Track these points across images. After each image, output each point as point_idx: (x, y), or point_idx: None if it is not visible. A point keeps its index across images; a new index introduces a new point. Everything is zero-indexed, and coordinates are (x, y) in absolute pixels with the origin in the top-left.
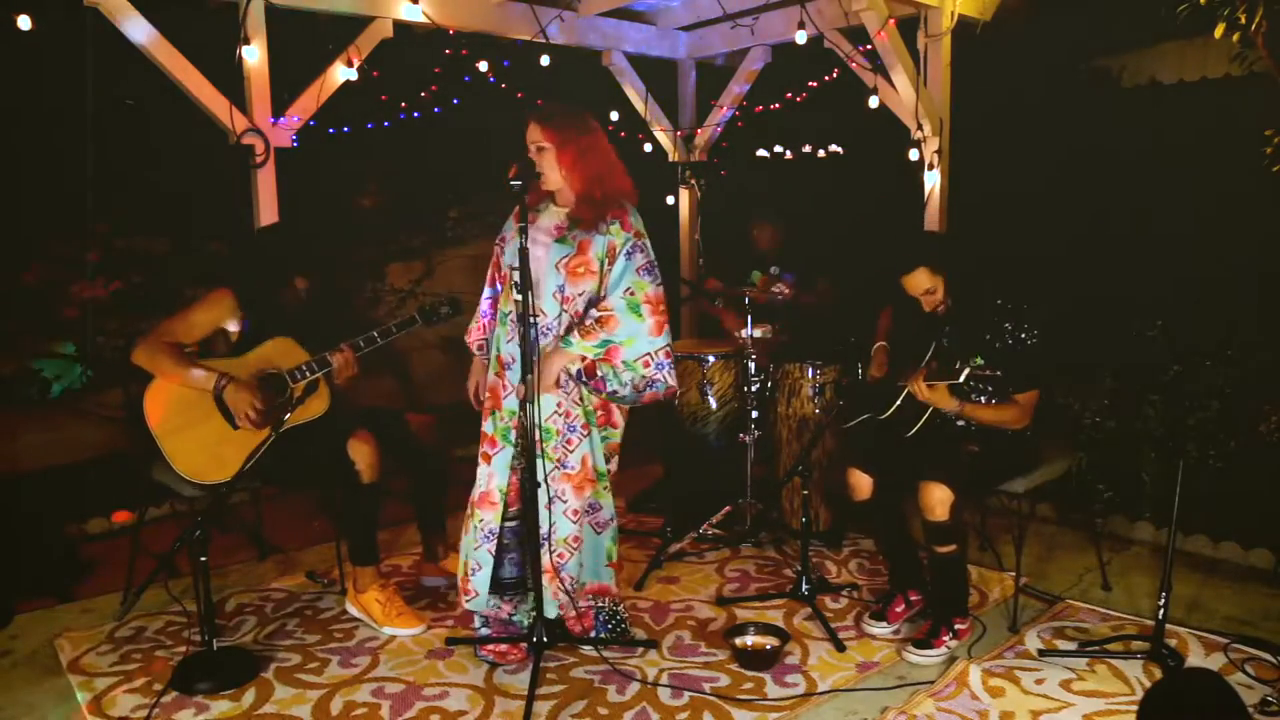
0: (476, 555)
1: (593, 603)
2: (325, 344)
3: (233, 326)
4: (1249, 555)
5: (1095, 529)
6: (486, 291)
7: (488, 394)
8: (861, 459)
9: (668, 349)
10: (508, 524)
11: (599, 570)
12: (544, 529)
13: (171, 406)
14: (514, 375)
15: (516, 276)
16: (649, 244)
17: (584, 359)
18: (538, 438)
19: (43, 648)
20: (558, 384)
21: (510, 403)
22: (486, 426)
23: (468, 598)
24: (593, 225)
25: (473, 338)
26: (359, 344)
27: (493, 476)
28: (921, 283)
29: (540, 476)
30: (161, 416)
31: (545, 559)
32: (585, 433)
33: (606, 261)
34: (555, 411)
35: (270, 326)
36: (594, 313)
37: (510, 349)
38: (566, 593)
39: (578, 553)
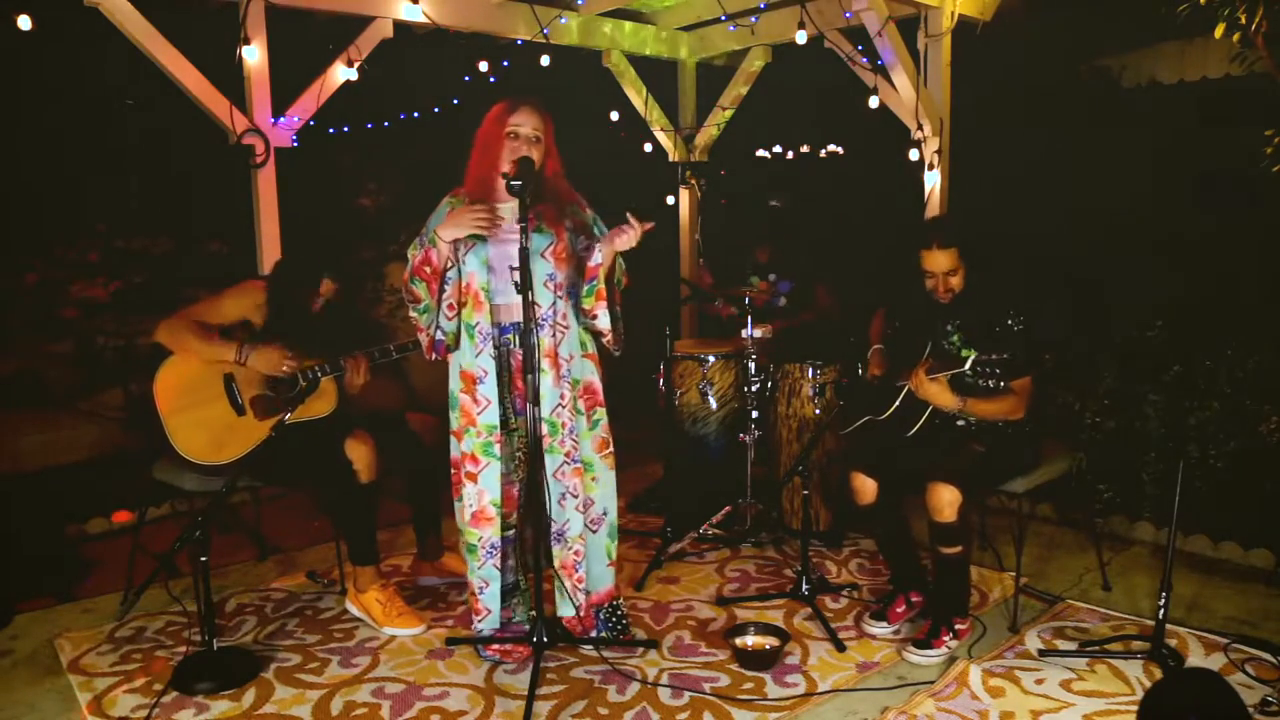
0: (482, 573)
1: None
2: (337, 346)
3: (257, 320)
4: (1249, 555)
5: (1095, 529)
6: (440, 312)
7: (459, 413)
8: (864, 463)
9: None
10: (506, 535)
11: (601, 574)
12: (558, 526)
13: (180, 386)
14: (488, 389)
15: (477, 282)
16: None
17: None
18: (538, 437)
19: (43, 648)
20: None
21: (488, 417)
22: (465, 445)
23: (480, 617)
24: (558, 217)
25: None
26: (374, 354)
27: (484, 494)
28: (944, 263)
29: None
30: (169, 395)
31: (566, 555)
32: (590, 421)
33: (583, 239)
34: (559, 404)
35: (290, 328)
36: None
37: (482, 362)
38: (585, 592)
39: (586, 551)
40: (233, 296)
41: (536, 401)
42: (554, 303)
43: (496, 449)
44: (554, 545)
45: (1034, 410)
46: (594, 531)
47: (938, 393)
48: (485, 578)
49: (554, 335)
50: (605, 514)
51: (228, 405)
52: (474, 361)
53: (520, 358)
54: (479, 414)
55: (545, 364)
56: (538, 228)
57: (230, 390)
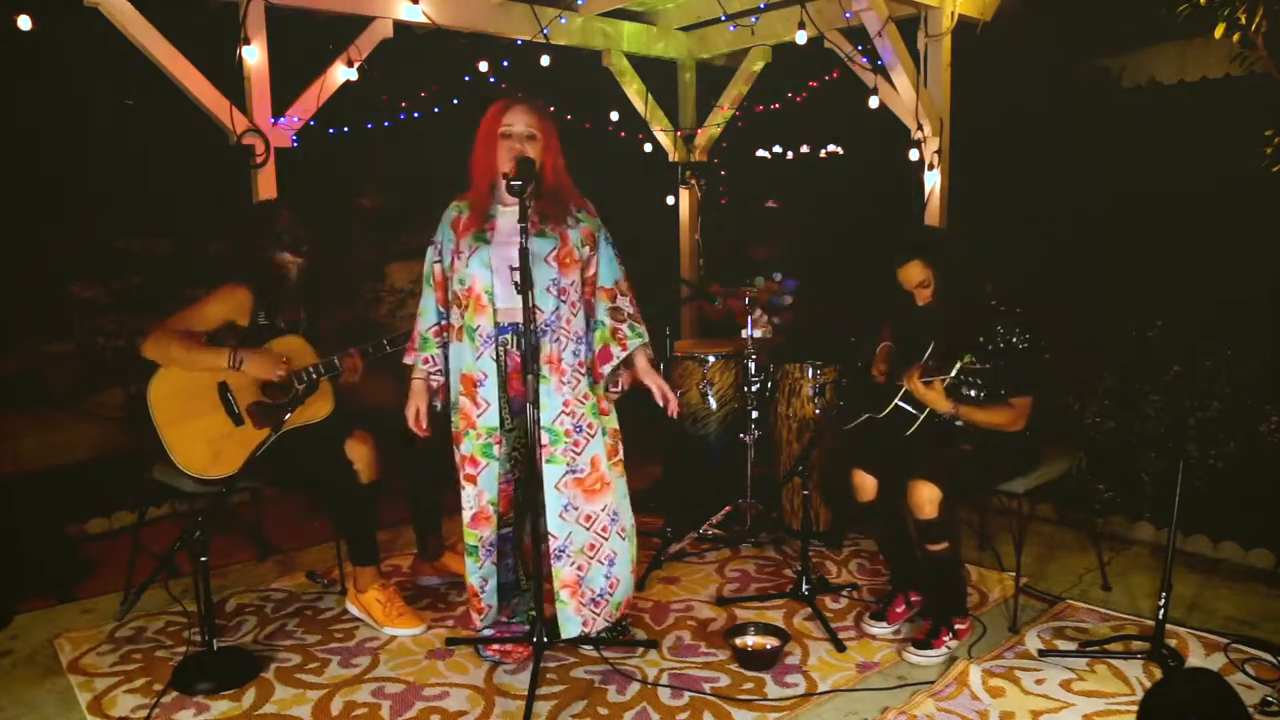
0: (482, 572)
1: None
2: (330, 343)
3: (242, 321)
4: (1249, 555)
5: (1095, 529)
6: (432, 315)
7: (458, 416)
8: (865, 460)
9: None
10: (502, 532)
11: (629, 582)
12: (559, 541)
13: (175, 397)
14: (488, 391)
15: (480, 285)
16: None
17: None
18: (540, 439)
19: (43, 648)
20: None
21: (488, 419)
22: (464, 448)
23: (481, 615)
24: (560, 218)
25: (411, 359)
26: (368, 350)
27: (482, 494)
28: (915, 275)
29: (543, 478)
30: (164, 407)
31: (569, 572)
32: (592, 431)
33: (587, 248)
34: (562, 411)
35: (278, 310)
36: (626, 306)
37: (482, 365)
38: (591, 608)
39: (602, 564)
40: (216, 300)
41: (536, 403)
42: (557, 308)
43: (496, 450)
44: (555, 563)
45: (1032, 415)
46: (622, 539)
47: (933, 397)
48: (485, 576)
49: (558, 341)
50: (628, 522)
51: (224, 415)
52: (475, 364)
53: (517, 359)
54: (479, 416)
55: (547, 370)
56: (540, 231)
57: (226, 399)
